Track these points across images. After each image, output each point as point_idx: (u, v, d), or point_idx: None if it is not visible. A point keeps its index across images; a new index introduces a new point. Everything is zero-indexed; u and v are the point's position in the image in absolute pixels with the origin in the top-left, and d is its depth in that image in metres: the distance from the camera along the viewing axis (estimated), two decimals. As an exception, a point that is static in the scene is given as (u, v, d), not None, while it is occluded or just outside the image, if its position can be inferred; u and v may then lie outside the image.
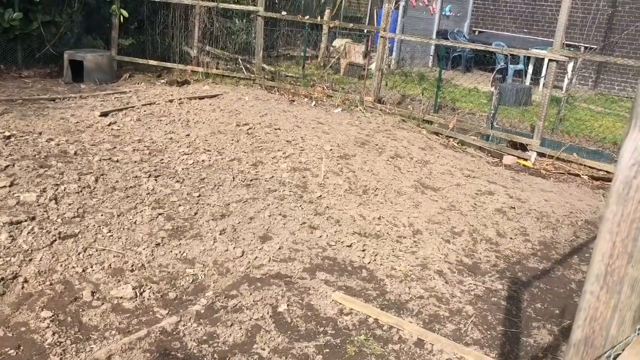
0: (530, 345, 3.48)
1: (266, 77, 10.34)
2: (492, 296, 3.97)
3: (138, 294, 3.48)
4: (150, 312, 3.35)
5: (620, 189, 0.92)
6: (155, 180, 5.00)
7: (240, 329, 3.28)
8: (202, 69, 10.24)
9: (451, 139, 8.18)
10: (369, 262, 4.22)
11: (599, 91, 13.72)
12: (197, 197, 4.80)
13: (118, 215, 4.33)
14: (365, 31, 13.05)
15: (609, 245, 0.95)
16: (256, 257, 4.05)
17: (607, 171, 7.06)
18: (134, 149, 5.66)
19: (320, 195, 5.16)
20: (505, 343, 3.46)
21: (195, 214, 4.53)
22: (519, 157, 7.62)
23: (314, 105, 9.08)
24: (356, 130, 7.52)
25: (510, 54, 11.94)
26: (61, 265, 3.63)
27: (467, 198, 5.77)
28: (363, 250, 4.36)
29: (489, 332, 3.54)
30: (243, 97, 8.68)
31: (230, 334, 3.23)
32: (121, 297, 3.43)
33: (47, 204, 4.31)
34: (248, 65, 10.60)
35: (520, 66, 13.31)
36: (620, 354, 0.94)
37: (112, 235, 4.06)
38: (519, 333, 3.59)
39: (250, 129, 6.72)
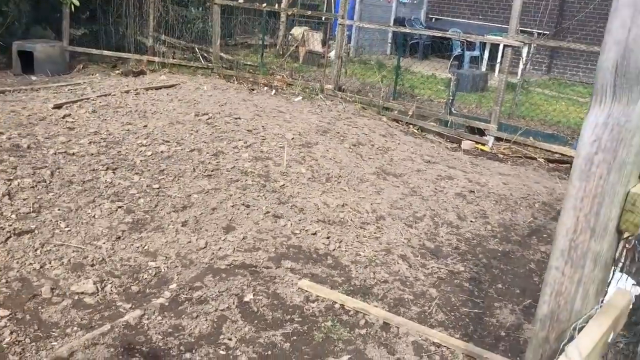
0: (493, 324, 3.57)
1: (224, 66, 10.20)
2: (454, 278, 4.04)
3: (100, 289, 3.41)
4: (113, 307, 3.28)
5: (583, 165, 0.94)
6: (114, 172, 4.89)
7: (206, 320, 3.25)
8: (158, 58, 10.03)
9: (411, 126, 8.26)
10: (334, 249, 4.23)
11: (552, 76, 14.08)
12: (157, 188, 4.71)
13: (76, 210, 4.21)
14: (323, 19, 13.01)
15: (572, 220, 0.97)
16: (220, 247, 4.01)
17: (562, 154, 7.26)
18: (90, 142, 5.51)
19: (284, 184, 5.14)
20: (468, 323, 3.53)
21: (156, 206, 4.45)
22: (477, 142, 7.75)
23: (274, 93, 9.02)
24: (317, 118, 7.50)
25: (467, 41, 12.10)
26: (17, 262, 3.52)
27: (427, 183, 5.85)
28: (328, 238, 4.37)
29: (452, 314, 3.61)
30: (201, 86, 8.55)
31: (196, 326, 3.19)
32: (82, 293, 3.35)
33: (0, 199, 4.16)
34: (205, 55, 10.43)
35: (477, 52, 13.52)
36: (584, 326, 0.96)
37: (70, 230, 3.95)
38: (481, 313, 3.67)
39: (209, 118, 6.62)
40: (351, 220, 4.74)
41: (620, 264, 1.30)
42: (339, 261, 4.08)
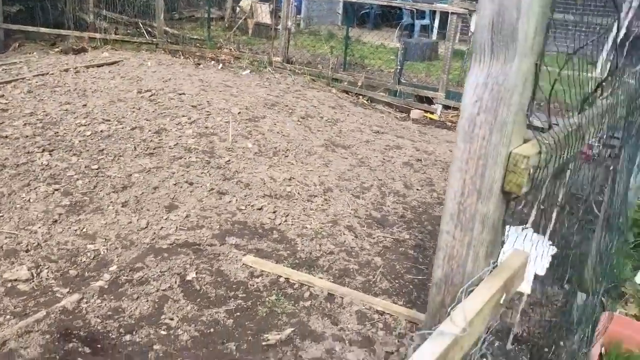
0: (436, 289, 3.62)
1: (170, 40, 9.93)
2: (399, 246, 4.08)
3: (35, 275, 3.30)
4: (50, 292, 3.19)
5: (466, 126, 0.93)
6: (50, 154, 4.71)
7: (147, 301, 3.19)
8: (100, 35, 9.67)
9: (361, 97, 8.24)
10: (280, 223, 4.20)
11: (500, 43, 14.22)
12: (96, 169, 4.57)
13: (9, 194, 4.05)
14: (271, -10, 12.75)
15: (459, 183, 0.96)
16: (162, 227, 3.93)
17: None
18: (25, 123, 5.29)
19: (229, 160, 5.06)
20: (412, 290, 3.58)
21: (95, 187, 4.32)
22: (425, 111, 7.80)
23: (221, 68, 8.84)
24: (265, 91, 7.40)
25: (416, 9, 12.09)
26: (-55, 252, 3.37)
27: (376, 153, 5.86)
28: (274, 212, 4.34)
29: (396, 281, 3.65)
30: (145, 62, 8.30)
31: (137, 307, 3.13)
32: (16, 280, 3.23)
33: None
34: (150, 29, 10.12)
35: (427, 21, 13.54)
36: (474, 289, 0.96)
37: (2, 216, 3.80)
38: (425, 280, 3.72)
39: (152, 95, 6.44)
40: (298, 193, 4.71)
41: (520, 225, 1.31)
42: (285, 235, 4.06)
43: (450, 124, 7.52)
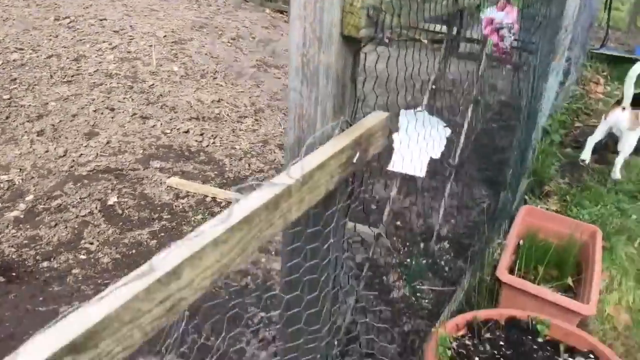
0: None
1: (91, -34, 9.26)
2: (330, 160, 4.04)
3: (-58, 210, 3.13)
4: (-41, 227, 3.04)
5: (299, -36, 0.84)
6: (-44, 86, 4.40)
7: (66, 227, 3.08)
8: (12, -39, 8.92)
9: (296, 17, 7.97)
10: (208, 145, 4.10)
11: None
12: (8, 99, 4.30)
13: None
14: None
15: (300, 32, 0.88)
16: (81, 154, 3.76)
17: (445, 33, 7.29)
18: None
19: (153, 84, 4.84)
20: (341, 201, 3.57)
21: (7, 117, 4.07)
22: (362, 28, 7.63)
23: (148, -8, 8.34)
24: (194, 14, 7.05)
25: None
26: None
27: (309, 72, 5.73)
28: (201, 134, 4.22)
29: (325, 193, 3.63)
30: (64, -11, 7.74)
31: (55, 234, 3.02)
32: None
33: None
34: (68, -46, 9.39)
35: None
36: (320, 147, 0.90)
37: None
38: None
39: (71, 22, 6.04)
40: (227, 115, 4.58)
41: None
42: (213, 156, 3.96)
43: (388, 40, 7.39)
